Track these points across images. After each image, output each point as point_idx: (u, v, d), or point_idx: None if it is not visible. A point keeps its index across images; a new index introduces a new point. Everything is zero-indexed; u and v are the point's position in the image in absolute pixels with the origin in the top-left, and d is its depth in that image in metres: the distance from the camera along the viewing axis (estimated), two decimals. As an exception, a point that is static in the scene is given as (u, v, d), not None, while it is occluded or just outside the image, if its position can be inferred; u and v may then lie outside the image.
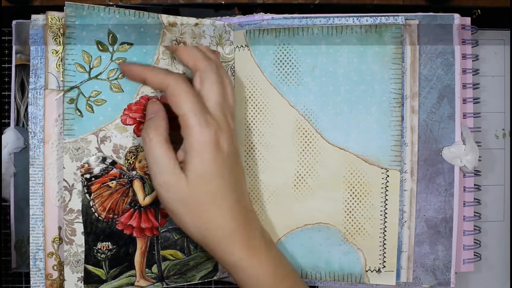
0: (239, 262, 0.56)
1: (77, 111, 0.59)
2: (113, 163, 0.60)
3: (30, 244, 0.61)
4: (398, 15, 0.63)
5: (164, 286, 0.63)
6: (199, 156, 0.54)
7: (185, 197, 0.55)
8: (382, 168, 0.63)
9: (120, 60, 0.60)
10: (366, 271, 0.64)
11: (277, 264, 0.58)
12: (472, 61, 0.67)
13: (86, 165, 0.59)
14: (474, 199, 0.66)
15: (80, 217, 0.59)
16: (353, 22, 0.63)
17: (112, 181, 0.60)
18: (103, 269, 0.60)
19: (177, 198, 0.55)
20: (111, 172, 0.59)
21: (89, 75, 0.59)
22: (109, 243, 0.60)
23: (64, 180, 0.59)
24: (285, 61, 0.64)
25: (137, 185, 0.61)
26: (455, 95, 0.64)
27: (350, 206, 0.64)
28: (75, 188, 0.59)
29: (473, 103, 0.66)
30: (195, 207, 0.55)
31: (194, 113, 0.54)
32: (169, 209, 0.57)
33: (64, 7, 0.58)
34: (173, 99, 0.55)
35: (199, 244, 0.59)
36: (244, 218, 0.57)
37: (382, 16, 0.63)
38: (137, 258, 0.61)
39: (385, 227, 0.63)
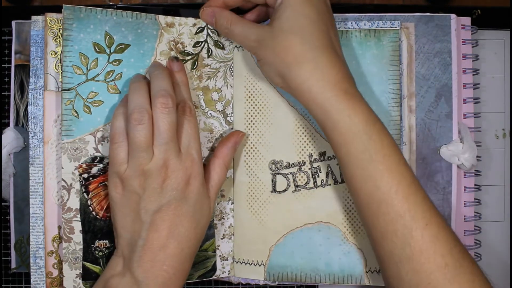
0: (332, 101, 0.53)
1: (74, 112, 0.59)
2: (110, 163, 0.60)
3: (31, 243, 0.61)
4: (396, 15, 0.63)
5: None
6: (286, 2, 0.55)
7: (270, 43, 0.55)
8: (381, 168, 0.63)
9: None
10: (367, 272, 0.64)
11: (368, 113, 0.54)
12: (472, 61, 0.66)
13: (84, 165, 0.60)
14: (474, 199, 0.66)
15: (78, 215, 0.60)
16: (352, 27, 0.63)
17: (109, 181, 0.60)
18: (100, 266, 0.61)
19: (265, 47, 0.56)
20: (108, 172, 0.59)
21: (87, 76, 0.60)
22: (107, 241, 0.61)
23: (62, 179, 0.60)
24: (285, 61, 0.64)
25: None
26: (452, 94, 0.64)
27: (350, 205, 0.64)
28: (73, 188, 0.60)
29: (473, 103, 0.66)
30: (283, 57, 0.55)
31: None
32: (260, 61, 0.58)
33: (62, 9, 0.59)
34: None
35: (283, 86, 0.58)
36: (341, 66, 0.55)
37: (379, 20, 0.63)
38: (135, 256, 0.62)
39: (384, 226, 0.63)
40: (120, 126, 0.56)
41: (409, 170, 0.54)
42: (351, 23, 0.64)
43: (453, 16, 0.64)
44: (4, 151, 0.64)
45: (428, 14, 0.64)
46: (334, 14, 0.62)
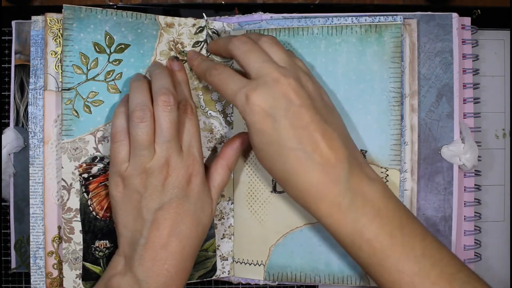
0: (319, 218, 0.54)
1: (74, 112, 0.59)
2: (110, 162, 0.60)
3: (31, 243, 0.61)
4: (397, 15, 0.63)
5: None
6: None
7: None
8: (381, 168, 0.63)
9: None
10: (366, 273, 0.64)
11: (353, 221, 0.53)
12: (472, 61, 0.66)
13: (84, 165, 0.60)
14: (474, 199, 0.66)
15: (78, 215, 0.60)
16: (352, 22, 0.63)
17: (109, 181, 0.60)
18: (100, 267, 0.61)
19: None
20: (108, 172, 0.59)
21: (87, 76, 0.60)
22: (107, 241, 0.61)
23: (62, 179, 0.60)
24: (285, 61, 0.64)
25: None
26: (453, 94, 0.64)
27: (350, 206, 0.63)
28: (73, 187, 0.60)
29: (473, 103, 0.66)
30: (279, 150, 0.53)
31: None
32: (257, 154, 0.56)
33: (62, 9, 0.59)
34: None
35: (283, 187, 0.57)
36: (319, 179, 0.52)
37: (381, 15, 0.63)
38: (135, 256, 0.62)
39: (384, 226, 0.63)
40: (121, 125, 0.56)
41: (415, 260, 0.52)
42: (352, 18, 0.63)
43: (454, 15, 0.64)
44: (4, 151, 0.64)
45: (429, 13, 0.64)
46: (334, 14, 0.62)
